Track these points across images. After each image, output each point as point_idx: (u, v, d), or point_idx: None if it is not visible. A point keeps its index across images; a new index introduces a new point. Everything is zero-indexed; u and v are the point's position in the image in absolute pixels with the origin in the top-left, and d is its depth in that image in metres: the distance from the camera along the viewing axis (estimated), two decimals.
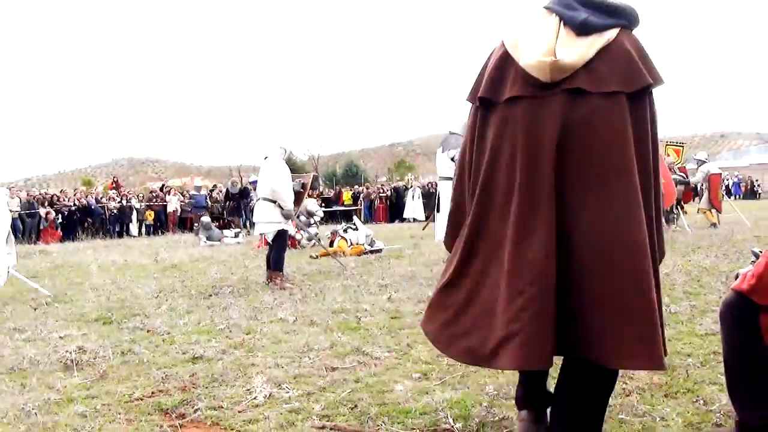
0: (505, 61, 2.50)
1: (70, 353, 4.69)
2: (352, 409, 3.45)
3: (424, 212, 27.87)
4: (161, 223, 25.81)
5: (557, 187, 2.31)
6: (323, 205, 26.23)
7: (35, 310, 7.05)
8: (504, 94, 2.47)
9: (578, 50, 2.34)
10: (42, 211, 22.86)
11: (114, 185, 30.53)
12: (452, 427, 3.08)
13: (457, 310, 2.57)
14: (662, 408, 3.26)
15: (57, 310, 6.98)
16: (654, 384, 3.69)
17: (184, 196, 27.97)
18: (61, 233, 22.79)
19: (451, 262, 2.73)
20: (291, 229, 9.44)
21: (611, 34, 2.36)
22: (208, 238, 17.15)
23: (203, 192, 26.64)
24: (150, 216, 25.71)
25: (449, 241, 2.91)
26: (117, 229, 24.36)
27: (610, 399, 3.41)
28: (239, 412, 3.47)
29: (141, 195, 29.32)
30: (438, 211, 9.20)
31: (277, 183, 8.47)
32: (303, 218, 16.23)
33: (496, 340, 2.33)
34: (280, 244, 8.76)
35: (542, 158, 2.33)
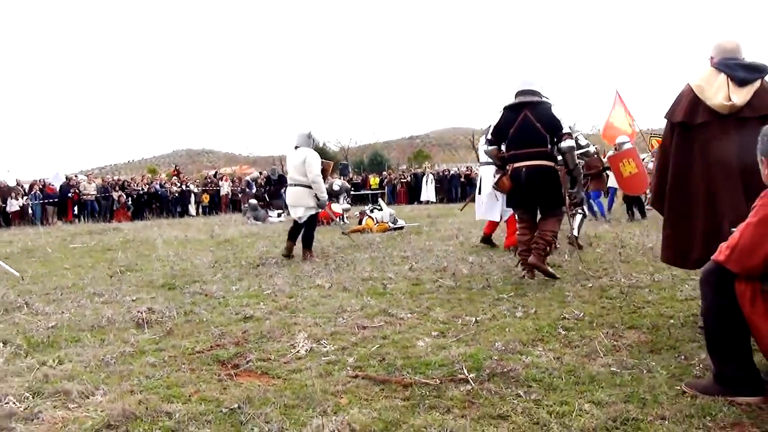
0: (696, 100, 3.77)
1: (141, 313, 4.74)
2: (380, 361, 3.45)
3: (437, 196, 27.80)
4: (215, 204, 26.00)
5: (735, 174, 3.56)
6: (353, 189, 26.25)
7: (111, 277, 7.13)
8: (697, 120, 3.76)
9: (742, 96, 3.64)
10: (115, 195, 23.12)
11: (175, 173, 30.75)
12: (467, 376, 3.06)
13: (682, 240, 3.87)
14: (648, 362, 3.23)
15: (129, 278, 7.05)
16: (641, 341, 3.66)
17: (233, 182, 28.15)
18: (131, 213, 23.04)
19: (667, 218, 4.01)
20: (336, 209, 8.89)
21: (757, 83, 3.66)
22: (255, 218, 17.21)
23: (250, 179, 26.84)
24: (206, 198, 25.93)
25: (659, 206, 4.16)
26: (178, 210, 24.57)
27: (602, 353, 3.40)
28: (284, 363, 3.49)
29: (198, 181, 29.52)
30: (479, 192, 8.65)
31: (316, 176, 8.09)
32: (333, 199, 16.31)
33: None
34: (311, 224, 8.36)
35: (730, 157, 3.59)
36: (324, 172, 9.55)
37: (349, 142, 58.70)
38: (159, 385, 3.15)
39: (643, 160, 11.71)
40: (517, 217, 6.27)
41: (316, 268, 7.15)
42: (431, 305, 4.88)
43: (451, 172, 30.84)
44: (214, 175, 30.86)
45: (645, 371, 3.09)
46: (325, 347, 3.75)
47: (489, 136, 6.31)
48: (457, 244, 9.15)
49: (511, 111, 5.94)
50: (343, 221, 15.51)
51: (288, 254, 8.20)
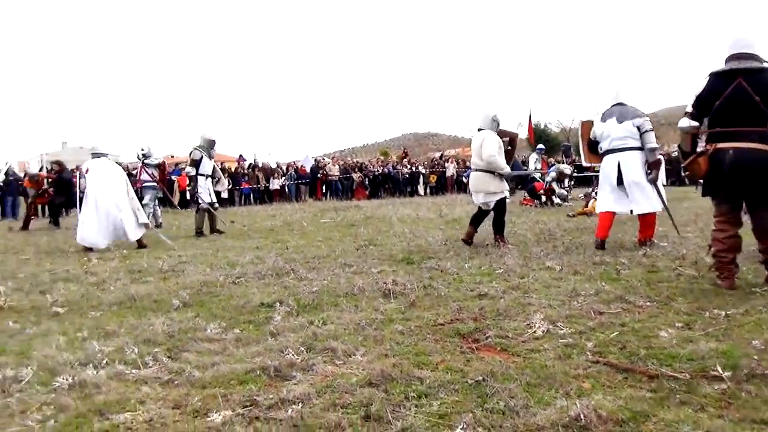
0: None
1: (387, 284, 5.06)
2: (621, 349, 3.29)
3: (668, 179, 25.39)
4: (441, 185, 26.69)
5: None
6: (576, 171, 25.14)
7: (357, 250, 7.72)
8: None
9: None
10: (354, 176, 24.86)
11: (404, 154, 32.13)
12: (721, 374, 2.79)
13: None
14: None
15: (372, 251, 7.57)
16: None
17: (459, 163, 28.60)
18: (368, 192, 24.62)
19: None
20: (508, 195, 7.99)
21: None
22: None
23: None
24: (433, 179, 26.72)
25: None
26: (408, 190, 25.69)
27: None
28: (522, 342, 3.49)
29: (425, 162, 30.52)
30: (620, 183, 6.97)
31: (490, 156, 7.49)
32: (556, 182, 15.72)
33: None
34: (499, 210, 7.80)
35: None
36: (512, 142, 8.56)
37: (571, 123, 55.94)
38: (408, 351, 3.36)
39: None
40: (715, 209, 4.93)
41: (545, 250, 7.00)
42: (671, 294, 4.51)
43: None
44: (440, 157, 31.67)
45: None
46: (562, 330, 3.67)
47: (690, 109, 4.95)
48: (696, 230, 8.31)
49: (719, 78, 4.70)
50: (553, 202, 14.99)
51: (467, 240, 7.80)
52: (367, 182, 25.37)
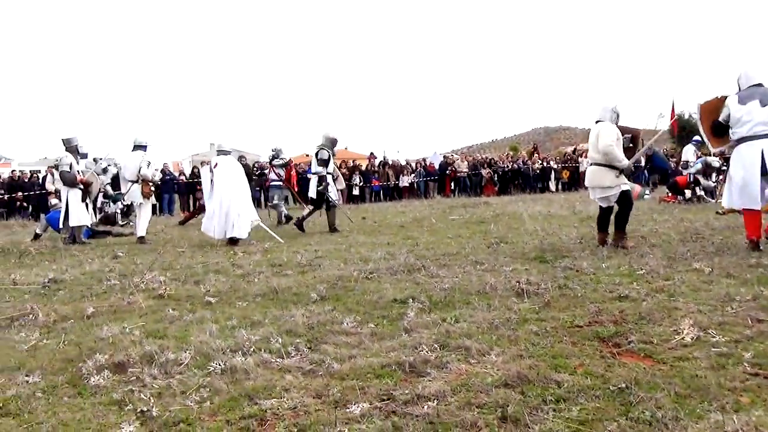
0: None
1: (520, 283, 4.95)
2: None
3: None
4: (575, 181, 25.67)
5: None
6: (725, 164, 23.09)
7: (488, 247, 7.64)
8: None
9: None
10: (483, 172, 24.58)
11: (534, 149, 31.22)
12: None
13: None
14: None
15: (503, 249, 7.45)
16: None
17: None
18: (497, 189, 24.25)
19: None
20: (629, 187, 7.33)
21: None
22: None
23: None
24: (565, 175, 25.77)
25: None
26: (539, 186, 24.98)
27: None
28: (669, 348, 3.27)
29: (557, 158, 29.48)
30: (765, 173, 6.26)
31: (606, 146, 6.97)
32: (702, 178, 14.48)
33: None
34: (624, 204, 7.23)
35: None
36: (634, 141, 7.87)
37: None
38: (545, 353, 3.27)
39: None
40: None
41: (692, 250, 6.51)
42: None
43: None
44: (573, 152, 30.43)
45: None
46: (714, 337, 3.39)
47: None
48: None
49: None
50: (700, 199, 13.84)
51: (602, 245, 7.33)
52: (496, 178, 24.99)
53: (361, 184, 23.73)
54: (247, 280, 6.08)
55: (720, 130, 6.74)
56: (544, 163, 26.07)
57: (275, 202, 14.20)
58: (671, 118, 25.98)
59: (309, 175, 21.87)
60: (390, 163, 25.99)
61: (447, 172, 24.33)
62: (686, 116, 45.77)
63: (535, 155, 28.02)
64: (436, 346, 3.44)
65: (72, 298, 5.60)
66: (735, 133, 6.48)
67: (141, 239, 10.68)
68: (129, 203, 12.54)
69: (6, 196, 18.83)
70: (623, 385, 2.70)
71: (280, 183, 14.27)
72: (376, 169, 25.32)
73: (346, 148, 63.27)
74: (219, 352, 3.52)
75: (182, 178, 21.59)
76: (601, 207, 7.46)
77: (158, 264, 7.54)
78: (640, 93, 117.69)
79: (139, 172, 10.90)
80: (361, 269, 6.29)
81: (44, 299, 5.59)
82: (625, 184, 7.24)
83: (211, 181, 10.06)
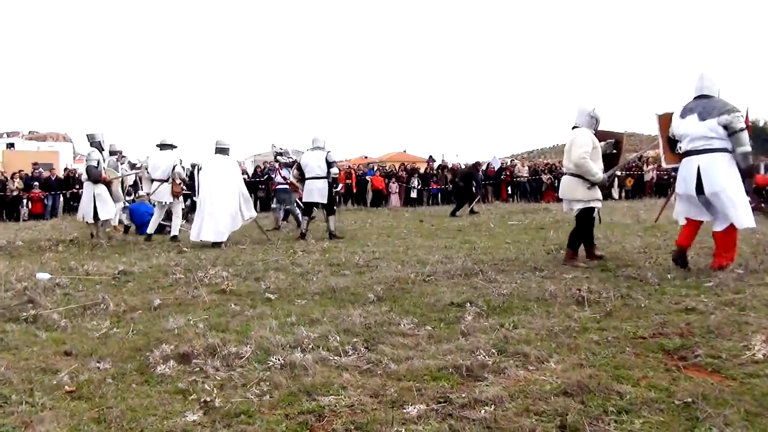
0: None
1: (580, 291, 4.84)
2: None
3: None
4: (640, 188, 24.97)
5: None
6: None
7: (548, 254, 7.52)
8: None
9: None
10: (544, 177, 24.17)
11: None
12: None
13: None
14: None
15: (563, 256, 7.28)
16: None
17: (659, 166, 26.47)
18: (557, 195, 23.77)
19: None
20: (600, 205, 6.87)
21: None
22: None
23: None
24: (629, 182, 25.06)
25: None
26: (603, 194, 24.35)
27: None
28: (739, 365, 3.13)
29: (620, 165, 28.63)
30: (700, 192, 5.79)
31: (579, 158, 6.45)
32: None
33: None
34: (582, 221, 6.75)
35: None
36: (617, 147, 7.38)
37: None
38: (606, 363, 3.19)
39: None
40: None
41: (765, 264, 6.20)
42: None
43: None
44: (639, 159, 29.50)
45: None
46: None
47: None
48: None
49: None
50: None
51: (593, 259, 6.85)
52: (556, 184, 24.51)
53: (420, 187, 23.73)
54: (306, 279, 6.18)
55: (674, 145, 6.30)
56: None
57: (274, 206, 13.47)
58: (746, 125, 24.74)
59: (368, 177, 22.10)
60: (449, 166, 25.89)
61: (502, 176, 24.03)
62: (761, 123, 43.64)
63: None
64: (493, 351, 3.41)
65: (140, 290, 5.83)
66: (680, 147, 6.12)
67: (174, 238, 10.70)
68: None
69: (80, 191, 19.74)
70: (689, 400, 2.60)
71: (287, 186, 13.06)
72: (435, 172, 25.27)
73: (404, 151, 63.73)
74: (278, 347, 3.59)
75: (244, 177, 22.12)
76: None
77: (221, 260, 7.75)
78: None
79: (173, 170, 10.91)
80: (419, 272, 6.29)
81: (114, 290, 5.85)
82: (597, 201, 6.78)
83: (199, 181, 9.95)
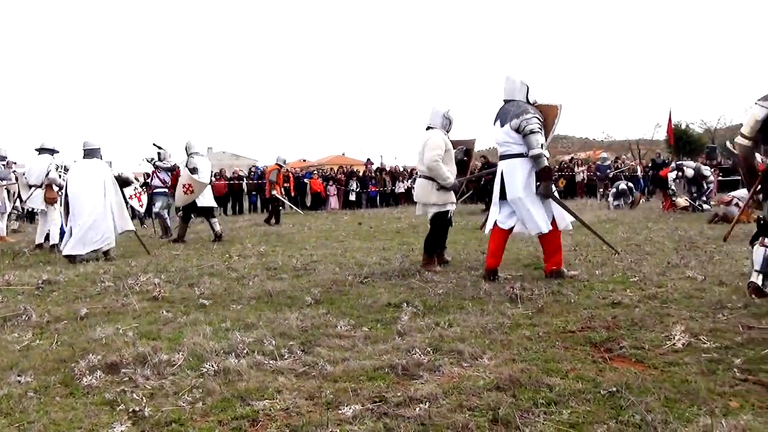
0: None
1: (514, 289, 4.98)
2: None
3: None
4: (571, 189, 25.77)
5: None
6: (721, 174, 23.22)
7: (483, 254, 7.64)
8: None
9: None
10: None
11: None
12: None
13: None
14: None
15: None
16: None
17: (589, 168, 27.48)
18: None
19: None
20: (454, 207, 6.75)
21: None
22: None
23: (607, 163, 25.76)
24: (562, 183, 25.83)
25: None
26: None
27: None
28: (660, 354, 3.29)
29: (554, 167, 29.58)
30: (503, 198, 5.79)
31: (431, 161, 6.31)
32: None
33: None
34: (437, 225, 6.66)
35: None
36: (468, 154, 7.26)
37: (716, 123, 51.50)
38: (537, 357, 3.29)
39: None
40: None
41: (685, 259, 6.55)
42: None
43: None
44: (570, 161, 30.54)
45: None
46: (705, 343, 3.42)
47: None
48: None
49: None
50: (700, 208, 13.87)
51: (441, 262, 6.74)
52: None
53: (358, 189, 23.78)
54: (242, 283, 6.09)
55: None
56: None
57: (156, 210, 12.46)
58: (668, 128, 26.10)
59: (306, 180, 21.97)
60: (387, 169, 26.05)
61: None
62: (683, 126, 45.95)
63: None
64: (429, 349, 3.45)
65: (66, 299, 5.60)
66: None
67: (39, 246, 10.14)
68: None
69: None
70: (614, 389, 2.71)
71: (165, 190, 12.20)
72: (373, 174, 25.37)
73: (343, 154, 63.69)
74: (212, 353, 3.53)
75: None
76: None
77: (153, 266, 7.54)
78: (637, 103, 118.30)
79: (47, 176, 10.17)
80: (356, 274, 6.30)
81: (38, 300, 5.59)
82: (451, 204, 6.69)
83: (63, 188, 8.94)
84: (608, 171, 21.98)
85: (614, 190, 17.11)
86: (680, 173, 14.52)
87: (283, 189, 17.60)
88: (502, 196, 5.78)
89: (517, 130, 5.53)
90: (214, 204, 11.37)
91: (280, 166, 16.10)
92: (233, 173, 22.83)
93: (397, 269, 6.46)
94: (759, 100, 4.05)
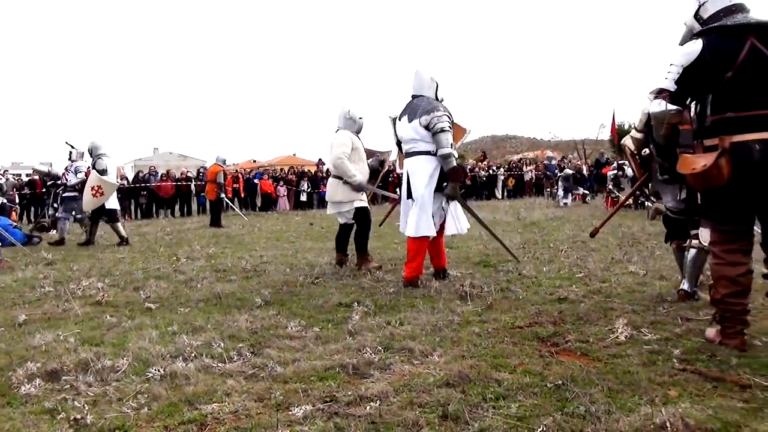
0: None
1: (464, 287, 5.05)
2: (710, 357, 3.15)
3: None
4: (520, 188, 26.27)
5: None
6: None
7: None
8: None
9: None
10: None
11: (481, 157, 31.77)
12: None
13: None
14: None
15: (449, 254, 7.44)
16: None
17: (537, 166, 28.08)
18: None
19: None
20: (365, 204, 6.74)
21: None
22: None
23: (553, 162, 26.41)
24: (511, 182, 26.33)
25: None
26: (485, 193, 25.40)
27: None
28: (604, 347, 3.40)
29: (504, 166, 30.11)
30: (411, 197, 5.56)
31: (336, 158, 6.31)
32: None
33: None
34: (362, 223, 6.67)
35: None
36: (382, 164, 7.32)
37: None
38: (486, 353, 3.34)
39: None
40: (719, 231, 3.38)
41: (628, 254, 6.77)
42: None
43: None
44: (519, 160, 31.16)
45: None
46: (646, 336, 3.56)
47: (670, 85, 3.39)
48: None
49: (723, 38, 3.23)
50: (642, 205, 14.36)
51: (339, 265, 6.77)
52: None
53: (309, 190, 23.64)
54: (190, 286, 5.97)
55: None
56: (491, 171, 26.55)
57: (59, 215, 11.76)
58: (612, 128, 26.80)
59: (256, 180, 21.64)
60: None
61: (389, 178, 24.42)
62: (626, 126, 47.44)
63: (483, 163, 28.52)
64: (379, 348, 3.46)
65: (2, 306, 5.37)
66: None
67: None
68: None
69: None
70: (560, 382, 2.78)
71: (76, 194, 11.35)
72: (325, 175, 25.26)
73: (294, 155, 63.14)
74: (158, 358, 3.44)
75: (124, 182, 20.98)
76: (341, 225, 6.92)
77: (96, 270, 7.31)
78: (583, 104, 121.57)
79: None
80: (308, 274, 6.27)
81: None
82: (362, 201, 6.64)
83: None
84: (555, 170, 22.54)
85: (561, 183, 17.57)
86: (620, 172, 15.05)
87: (232, 190, 17.33)
88: (409, 195, 5.59)
89: (427, 127, 5.32)
90: (117, 207, 11.21)
91: (221, 167, 15.68)
92: (181, 174, 22.32)
93: (348, 269, 6.46)
94: (650, 93, 3.73)
